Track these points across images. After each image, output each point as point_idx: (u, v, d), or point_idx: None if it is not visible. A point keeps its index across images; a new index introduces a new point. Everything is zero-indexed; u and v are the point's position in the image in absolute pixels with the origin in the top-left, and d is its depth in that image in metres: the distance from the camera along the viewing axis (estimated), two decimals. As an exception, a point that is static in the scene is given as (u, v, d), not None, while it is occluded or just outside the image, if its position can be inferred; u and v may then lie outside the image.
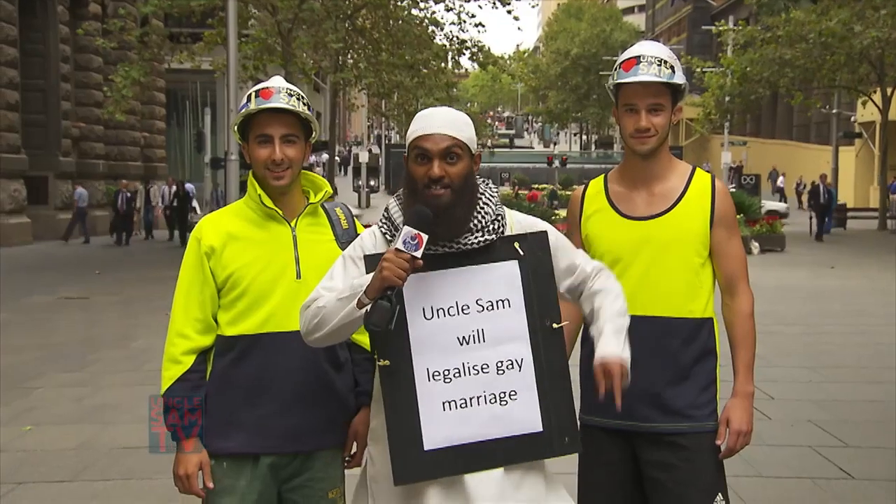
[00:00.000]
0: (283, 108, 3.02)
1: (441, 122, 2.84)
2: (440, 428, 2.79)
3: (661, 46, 3.27)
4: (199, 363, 3.06)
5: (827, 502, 5.70)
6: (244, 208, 3.16)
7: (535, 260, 2.92)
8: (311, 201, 3.16)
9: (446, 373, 2.82)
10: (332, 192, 3.25)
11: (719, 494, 3.17)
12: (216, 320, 3.10)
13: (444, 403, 2.80)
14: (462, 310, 2.84)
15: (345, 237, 3.19)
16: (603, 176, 3.43)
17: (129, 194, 27.67)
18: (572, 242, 3.23)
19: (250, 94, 3.08)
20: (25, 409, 8.10)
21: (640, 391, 3.14)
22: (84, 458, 6.63)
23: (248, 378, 3.05)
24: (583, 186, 3.46)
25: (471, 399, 2.81)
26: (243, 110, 3.06)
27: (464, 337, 2.84)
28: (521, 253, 2.90)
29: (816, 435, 7.08)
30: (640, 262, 3.19)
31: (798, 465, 6.35)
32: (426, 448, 2.79)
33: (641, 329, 3.14)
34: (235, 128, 3.14)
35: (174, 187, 28.92)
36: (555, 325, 2.89)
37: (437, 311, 2.84)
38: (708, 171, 3.33)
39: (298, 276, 3.09)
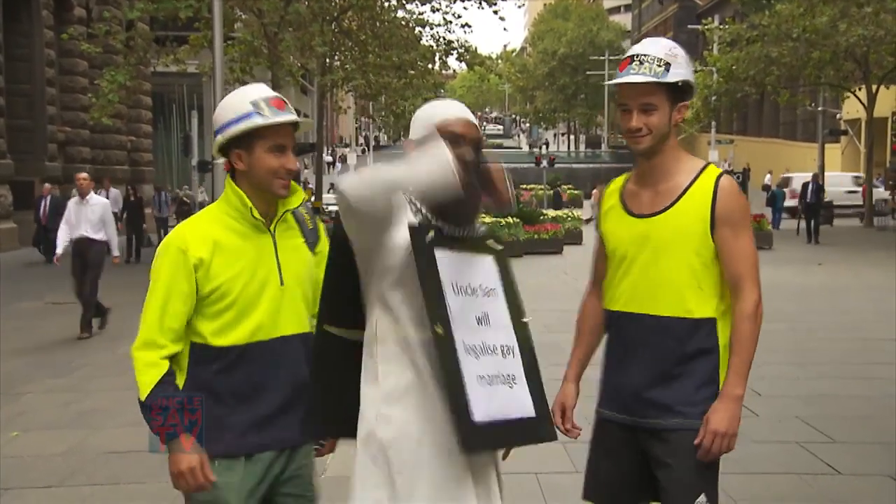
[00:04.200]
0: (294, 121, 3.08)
1: (468, 114, 2.98)
2: (480, 402, 2.80)
3: (663, 43, 3.22)
4: (171, 367, 3.05)
5: (813, 498, 5.71)
6: (224, 217, 3.10)
7: (504, 256, 3.05)
8: (286, 206, 3.15)
9: (474, 348, 2.85)
10: (306, 196, 3.26)
11: (703, 495, 3.15)
12: (191, 327, 3.07)
13: (477, 377, 2.83)
14: (473, 291, 2.92)
15: (311, 237, 3.24)
16: (627, 174, 3.42)
17: (49, 200, 23.15)
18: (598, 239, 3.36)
19: (258, 102, 3.04)
20: (13, 414, 8.08)
21: (634, 386, 3.20)
22: (72, 463, 6.62)
23: (237, 386, 3.06)
24: (607, 184, 3.49)
25: (492, 377, 2.87)
26: (261, 120, 3.01)
27: (478, 317, 2.90)
28: (499, 247, 3.03)
29: (803, 431, 7.11)
30: (642, 259, 3.17)
31: (785, 461, 6.36)
32: (475, 420, 2.78)
33: (637, 325, 3.20)
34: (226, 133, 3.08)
35: (109, 192, 25.07)
36: (524, 320, 3.01)
37: (460, 288, 2.88)
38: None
39: (282, 283, 3.11)
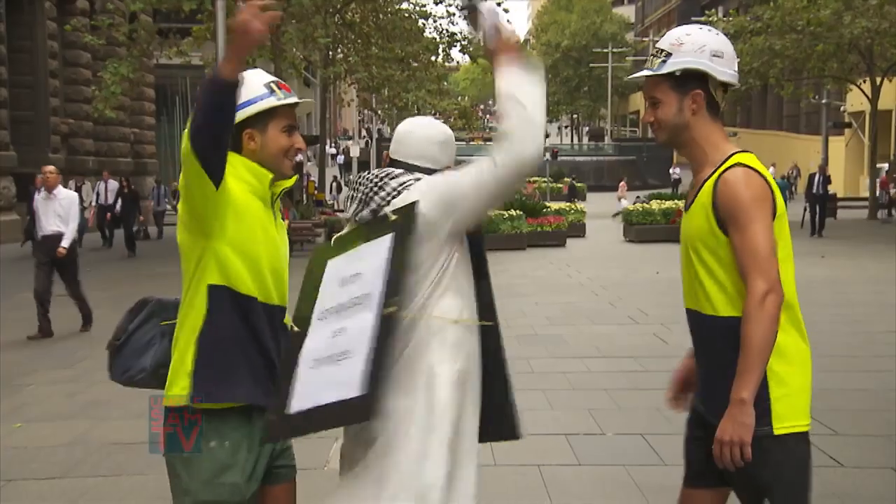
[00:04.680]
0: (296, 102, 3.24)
1: None
2: None
3: (675, 32, 3.15)
4: None
5: (817, 490, 5.62)
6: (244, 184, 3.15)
7: None
8: (283, 186, 3.24)
9: None
10: (296, 178, 3.43)
11: (766, 501, 3.02)
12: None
13: None
14: None
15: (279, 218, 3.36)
16: None
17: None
18: None
19: (270, 84, 3.18)
20: (16, 405, 8.09)
21: (699, 378, 3.25)
22: (75, 455, 6.62)
23: (248, 339, 3.08)
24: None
25: None
26: (277, 100, 3.15)
27: None
28: None
29: (806, 424, 7.09)
30: (681, 255, 3.19)
31: (788, 454, 6.35)
32: None
33: (690, 321, 3.20)
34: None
35: (108, 183, 25.55)
36: None
37: None
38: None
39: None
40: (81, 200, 25.29)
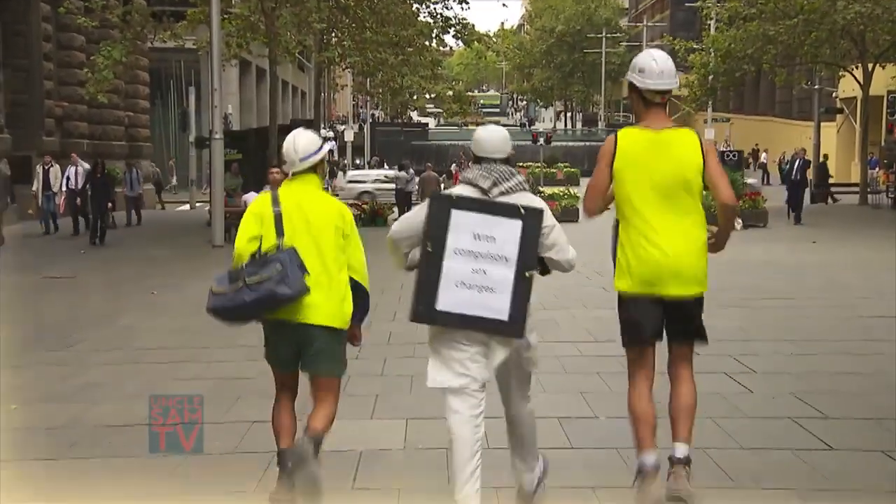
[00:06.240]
0: None
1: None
2: None
3: None
4: None
5: (807, 473, 5.75)
6: None
7: None
8: None
9: None
10: None
11: None
12: None
13: None
14: None
15: None
16: None
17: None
18: None
19: (325, 138, 5.34)
20: (12, 387, 8.09)
21: None
22: (70, 437, 6.66)
23: None
24: None
25: None
26: (329, 146, 5.26)
27: None
28: None
29: (797, 407, 7.14)
30: None
31: (778, 437, 6.40)
32: None
33: None
34: None
35: (77, 166, 23.72)
36: None
37: None
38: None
39: None
40: (49, 184, 24.00)
